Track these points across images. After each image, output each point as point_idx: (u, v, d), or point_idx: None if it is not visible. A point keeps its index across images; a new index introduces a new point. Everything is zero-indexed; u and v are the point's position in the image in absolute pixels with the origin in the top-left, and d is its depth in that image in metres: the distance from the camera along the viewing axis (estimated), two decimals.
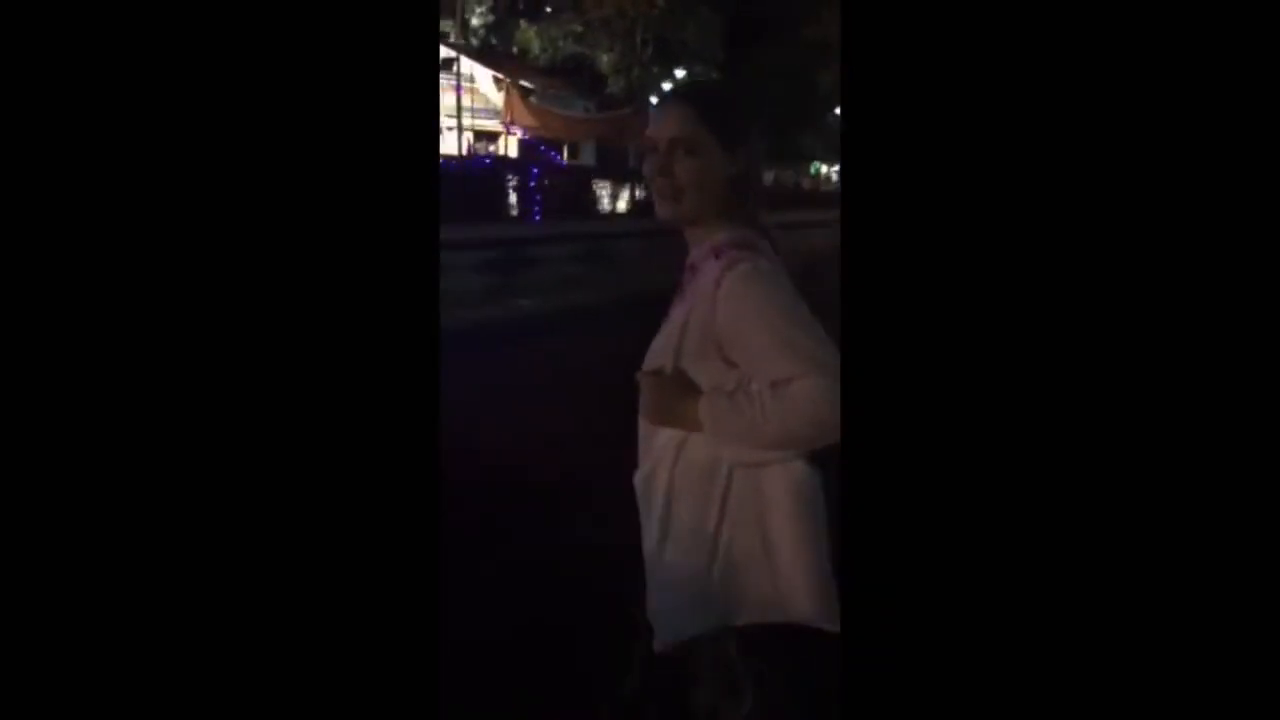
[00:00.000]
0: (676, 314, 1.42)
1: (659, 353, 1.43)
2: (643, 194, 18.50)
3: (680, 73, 22.99)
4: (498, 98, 20.68)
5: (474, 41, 21.82)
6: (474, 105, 20.34)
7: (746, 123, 1.41)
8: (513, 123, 20.37)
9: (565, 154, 22.37)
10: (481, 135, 21.22)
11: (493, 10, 22.38)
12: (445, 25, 20.44)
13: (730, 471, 1.37)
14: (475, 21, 22.25)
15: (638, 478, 1.48)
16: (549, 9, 22.45)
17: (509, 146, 21.25)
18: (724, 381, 1.36)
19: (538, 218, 15.53)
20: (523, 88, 20.76)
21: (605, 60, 22.75)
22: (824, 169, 34.41)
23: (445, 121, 19.55)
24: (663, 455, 1.43)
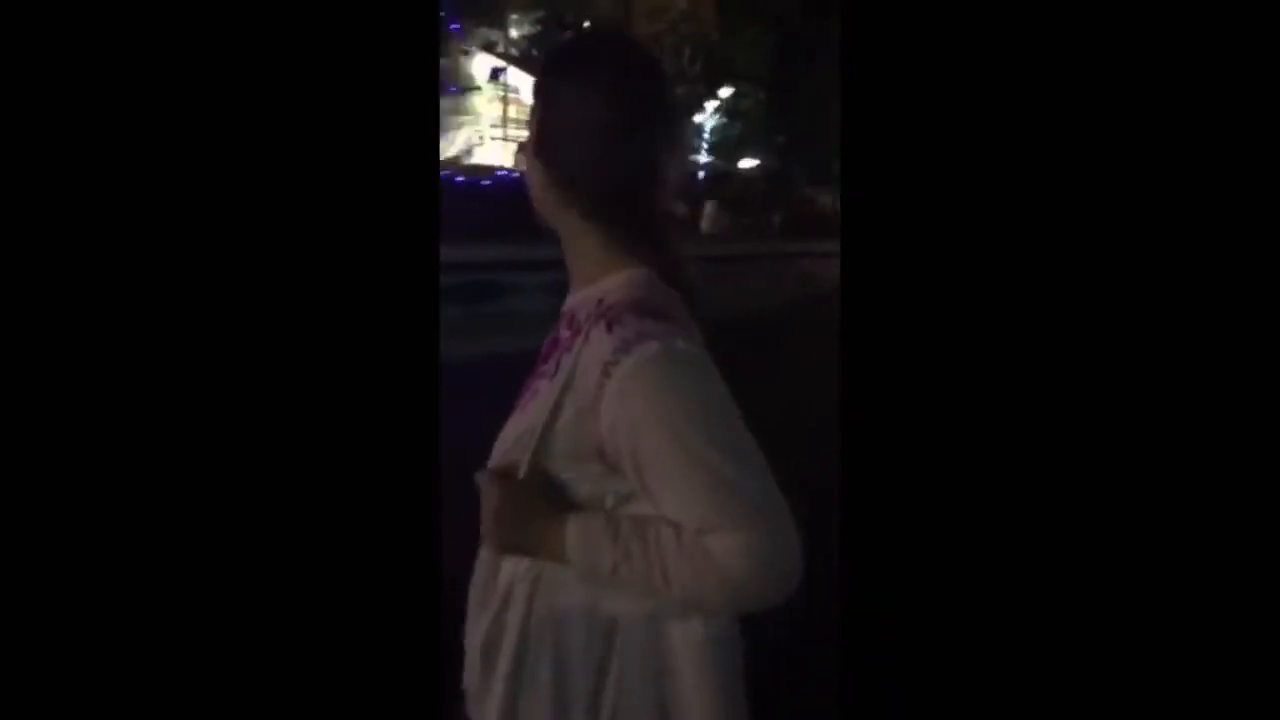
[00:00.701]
0: (545, 390, 0.99)
1: (512, 444, 1.00)
2: (709, 209, 18.16)
3: (726, 91, 22.80)
4: None
5: (515, 52, 21.71)
6: (519, 116, 20.25)
7: (576, 77, 0.97)
8: None
9: None
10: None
11: (539, 21, 22.26)
12: (493, 35, 20.38)
13: (614, 621, 0.98)
14: (518, 33, 22.13)
15: (469, 637, 1.05)
16: (587, 24, 22.32)
17: None
18: (601, 491, 0.96)
19: None
20: None
21: None
22: None
23: (491, 132, 19.54)
24: (512, 597, 1.01)
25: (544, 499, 0.98)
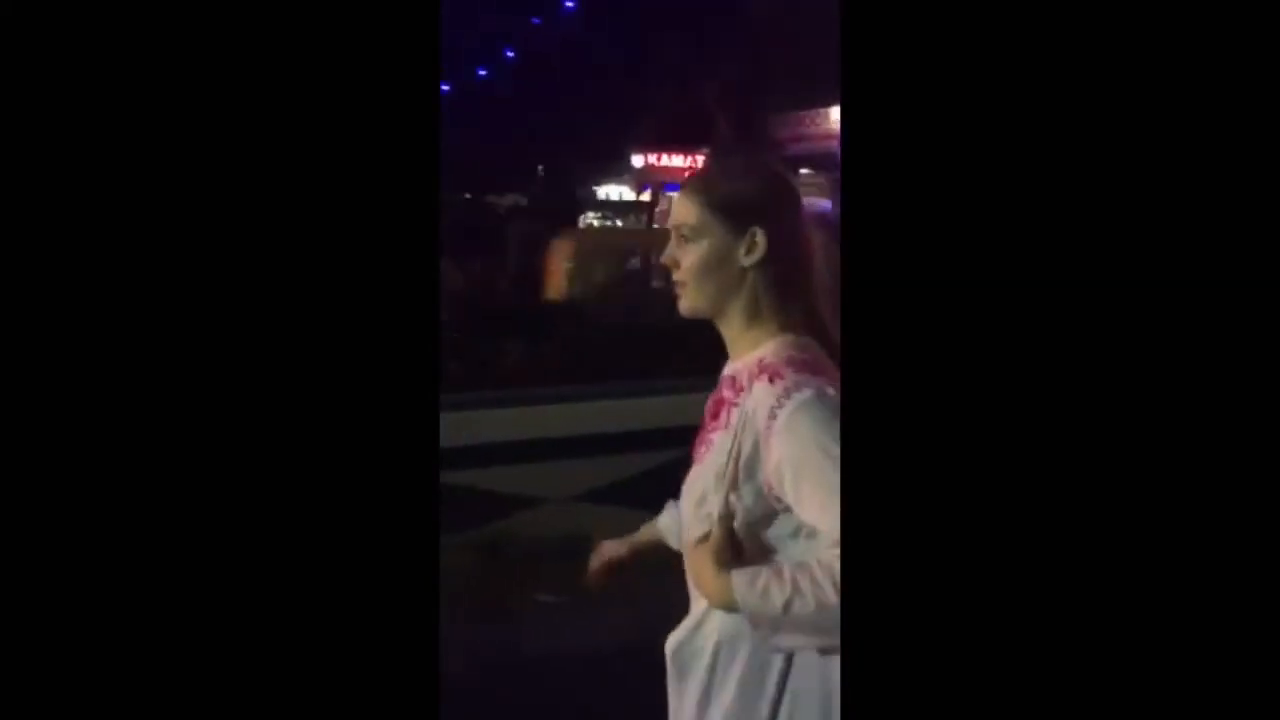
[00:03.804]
0: (720, 438, 1.24)
1: (700, 487, 1.25)
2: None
3: None
4: None
5: None
6: None
7: (763, 207, 1.25)
8: None
9: None
10: None
11: None
12: None
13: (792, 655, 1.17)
14: None
15: (670, 642, 1.28)
16: None
17: None
18: (765, 509, 1.19)
19: None
20: None
21: None
22: None
23: None
24: (707, 616, 1.23)
25: (716, 558, 1.17)
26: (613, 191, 20.35)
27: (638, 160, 19.61)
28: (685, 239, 1.25)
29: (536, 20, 22.30)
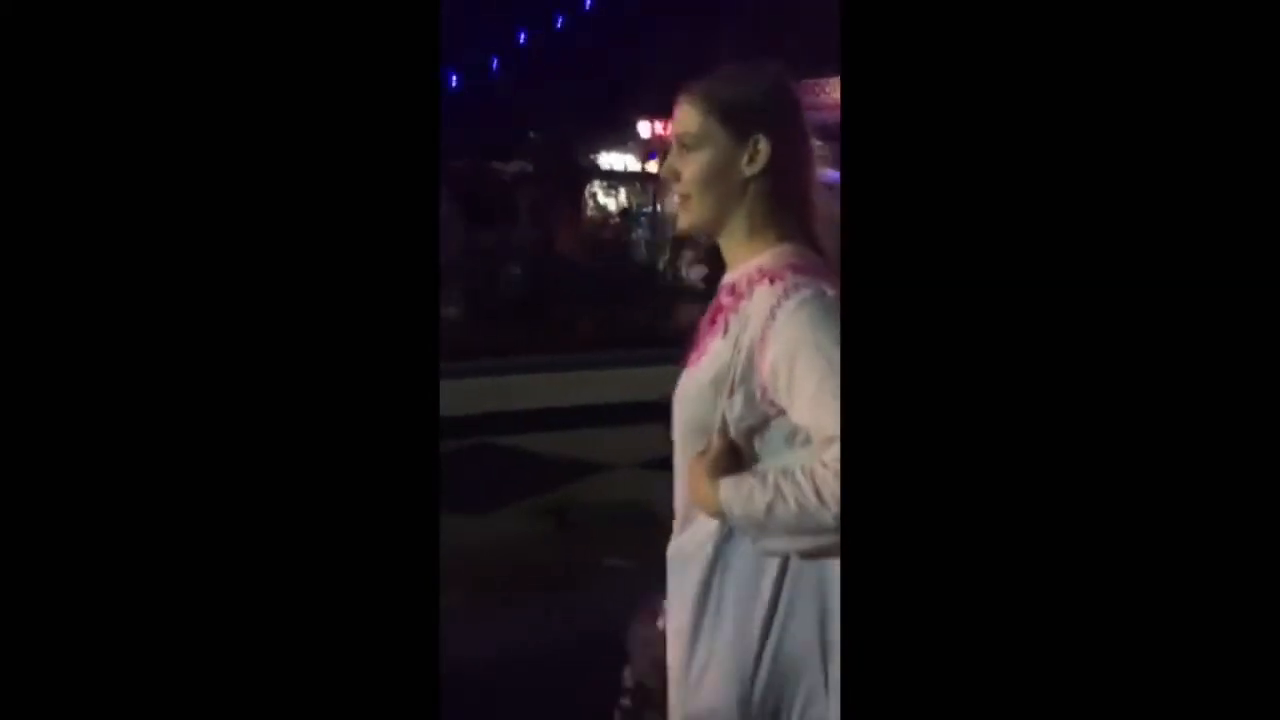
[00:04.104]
0: (718, 343, 1.23)
1: (695, 391, 1.24)
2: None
3: None
4: None
5: None
6: None
7: (766, 114, 1.22)
8: None
9: None
10: None
11: None
12: None
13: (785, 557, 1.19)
14: None
15: (671, 547, 1.30)
16: None
17: None
18: (760, 412, 1.18)
19: None
20: None
21: None
22: None
23: None
24: (705, 522, 1.24)
25: (711, 469, 1.19)
26: (617, 161, 20.22)
27: (644, 130, 19.47)
28: (686, 148, 1.23)
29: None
